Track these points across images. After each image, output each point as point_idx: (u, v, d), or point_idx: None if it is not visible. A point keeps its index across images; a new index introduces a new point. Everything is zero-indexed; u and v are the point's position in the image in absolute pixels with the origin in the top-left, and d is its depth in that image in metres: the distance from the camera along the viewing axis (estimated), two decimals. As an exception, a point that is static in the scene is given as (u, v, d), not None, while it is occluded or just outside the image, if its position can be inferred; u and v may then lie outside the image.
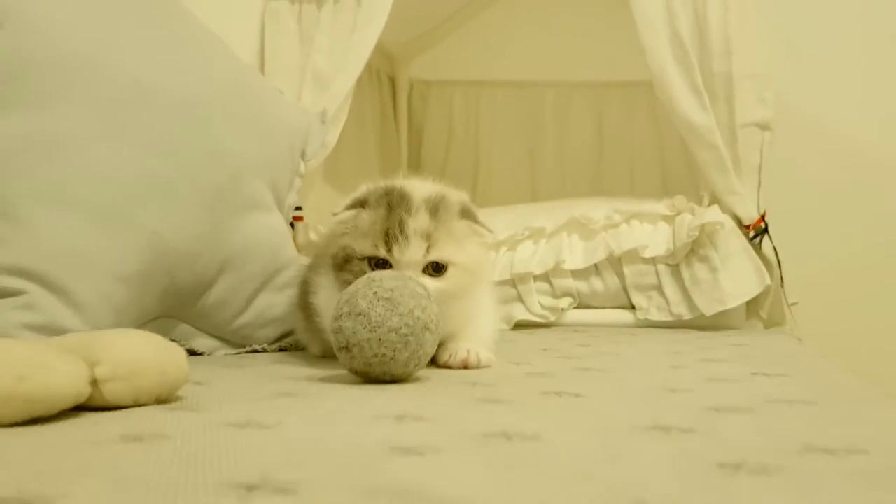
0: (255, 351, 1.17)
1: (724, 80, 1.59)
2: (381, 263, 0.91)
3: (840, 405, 0.74)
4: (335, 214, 0.96)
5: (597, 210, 1.66)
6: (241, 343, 1.17)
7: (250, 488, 0.41)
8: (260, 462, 0.47)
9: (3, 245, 0.84)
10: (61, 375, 0.59)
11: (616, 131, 2.39)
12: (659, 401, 0.72)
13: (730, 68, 1.58)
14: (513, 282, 1.62)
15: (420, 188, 0.96)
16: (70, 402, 0.60)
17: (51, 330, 0.86)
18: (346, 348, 0.80)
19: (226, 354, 1.14)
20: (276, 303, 1.19)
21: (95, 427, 0.58)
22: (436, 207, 0.93)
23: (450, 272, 0.93)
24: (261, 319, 1.17)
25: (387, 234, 0.90)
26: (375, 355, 0.79)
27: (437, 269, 0.92)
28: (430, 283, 0.90)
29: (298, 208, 1.58)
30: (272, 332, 1.20)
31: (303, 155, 1.42)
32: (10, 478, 0.44)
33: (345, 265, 0.93)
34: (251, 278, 1.15)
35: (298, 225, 1.63)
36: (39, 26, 0.88)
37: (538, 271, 1.61)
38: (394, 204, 0.92)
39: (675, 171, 2.22)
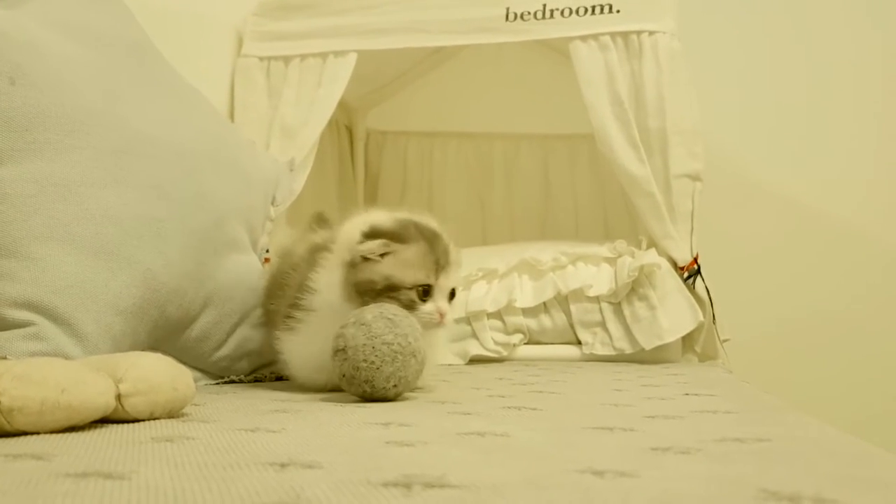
0: (233, 381, 1.26)
1: (659, 135, 1.71)
2: (425, 291, 1.03)
3: (756, 413, 0.87)
4: (361, 243, 1.03)
5: (545, 252, 1.76)
6: (219, 374, 1.25)
7: (283, 465, 0.51)
8: (282, 451, 0.57)
9: (16, 280, 0.92)
10: (94, 389, 0.68)
11: (561, 180, 2.50)
12: (604, 411, 0.83)
13: (663, 124, 1.71)
14: (468, 319, 1.72)
15: (431, 223, 1.09)
16: (100, 413, 0.69)
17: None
18: (343, 350, 0.92)
19: (205, 384, 1.22)
20: (252, 337, 1.28)
21: (127, 433, 0.67)
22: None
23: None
24: (238, 352, 1.26)
25: (437, 264, 1.03)
26: (365, 360, 0.90)
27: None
28: (447, 307, 1.04)
29: (266, 250, 1.67)
30: (248, 364, 1.29)
31: (273, 200, 1.54)
32: (83, 462, 0.53)
33: (387, 293, 1.01)
34: (231, 313, 1.24)
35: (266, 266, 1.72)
36: (50, 83, 0.98)
37: (491, 309, 1.71)
38: (430, 238, 1.05)
39: (615, 216, 2.32)
